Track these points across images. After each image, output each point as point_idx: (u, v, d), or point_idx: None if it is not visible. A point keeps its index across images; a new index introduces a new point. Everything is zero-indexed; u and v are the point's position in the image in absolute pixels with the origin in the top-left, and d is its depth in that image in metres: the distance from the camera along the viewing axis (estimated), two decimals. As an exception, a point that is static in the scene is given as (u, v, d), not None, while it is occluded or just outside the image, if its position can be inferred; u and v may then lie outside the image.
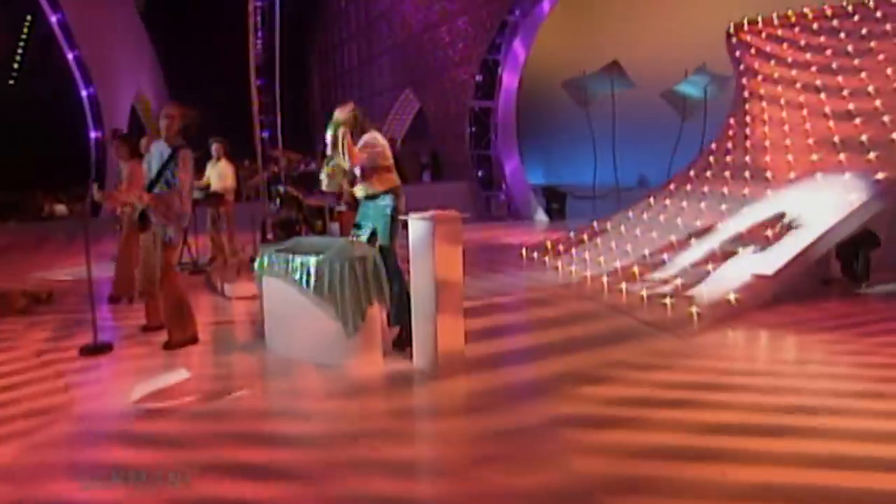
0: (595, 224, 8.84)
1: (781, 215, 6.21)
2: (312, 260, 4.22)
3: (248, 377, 4.28)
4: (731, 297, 5.31)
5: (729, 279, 5.63)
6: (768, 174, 7.45)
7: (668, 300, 5.55)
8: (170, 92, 18.83)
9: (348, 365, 4.22)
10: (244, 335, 5.33)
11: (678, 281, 6.01)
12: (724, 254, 6.20)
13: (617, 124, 16.91)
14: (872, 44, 7.90)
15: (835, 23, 9.09)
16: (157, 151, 4.79)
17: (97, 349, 4.82)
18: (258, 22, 13.46)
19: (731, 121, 9.35)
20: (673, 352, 4.52)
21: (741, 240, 6.26)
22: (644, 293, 5.88)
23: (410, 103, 18.11)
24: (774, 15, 10.20)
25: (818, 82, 8.39)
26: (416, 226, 4.17)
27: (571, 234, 8.83)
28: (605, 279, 6.52)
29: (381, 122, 19.21)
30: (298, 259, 4.30)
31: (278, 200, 7.15)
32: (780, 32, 9.94)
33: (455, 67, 14.74)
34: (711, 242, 6.58)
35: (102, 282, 6.95)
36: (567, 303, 6.12)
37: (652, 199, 8.59)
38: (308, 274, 4.22)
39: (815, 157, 7.19)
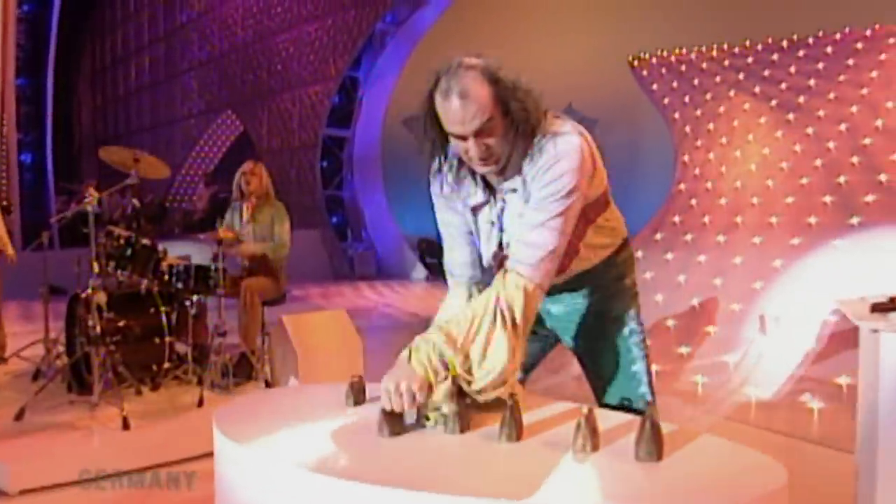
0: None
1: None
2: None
3: None
4: None
5: None
6: (812, 220, 5.75)
7: None
8: None
9: None
10: None
11: (845, 381, 3.80)
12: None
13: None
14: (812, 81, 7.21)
15: (774, 57, 8.27)
16: None
17: None
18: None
19: (686, 158, 7.90)
20: None
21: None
22: (813, 405, 3.56)
23: (229, 128, 14.48)
24: (683, 49, 9.36)
25: (790, 116, 7.31)
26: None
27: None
28: (699, 379, 4.10)
29: (188, 151, 15.23)
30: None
31: (109, 259, 3.66)
32: (704, 66, 8.96)
33: (303, 85, 11.72)
34: (811, 314, 4.55)
35: None
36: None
37: (640, 253, 6.49)
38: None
39: (870, 197, 5.65)
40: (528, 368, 1.81)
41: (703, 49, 8.93)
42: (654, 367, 4.29)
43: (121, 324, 3.57)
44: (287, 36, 12.01)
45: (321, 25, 11.38)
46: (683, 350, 4.58)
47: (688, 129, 8.18)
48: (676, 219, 6.79)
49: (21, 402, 3.31)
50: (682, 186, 7.44)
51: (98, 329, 3.39)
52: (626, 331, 1.71)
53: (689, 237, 6.36)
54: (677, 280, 5.73)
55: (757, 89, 7.84)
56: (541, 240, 1.42)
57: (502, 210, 1.55)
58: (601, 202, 1.64)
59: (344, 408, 1.47)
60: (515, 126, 1.43)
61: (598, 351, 1.71)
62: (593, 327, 1.72)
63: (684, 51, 9.18)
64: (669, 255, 6.19)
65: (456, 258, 1.70)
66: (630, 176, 13.32)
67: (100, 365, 3.32)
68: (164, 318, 3.75)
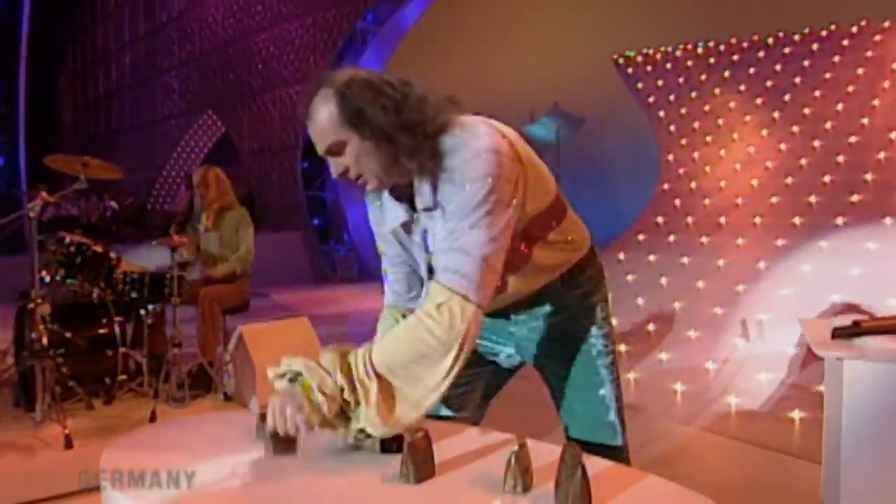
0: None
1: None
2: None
3: None
4: None
5: None
6: (797, 220, 5.62)
7: None
8: None
9: None
10: None
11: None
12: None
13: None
14: (798, 79, 7.12)
15: (760, 54, 8.16)
16: None
17: None
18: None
19: (670, 158, 7.79)
20: None
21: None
22: (795, 415, 3.41)
23: (210, 129, 14.23)
24: (669, 48, 9.23)
25: (776, 114, 7.23)
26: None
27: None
28: (678, 387, 3.94)
29: (169, 153, 14.99)
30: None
31: (59, 267, 3.48)
32: (690, 63, 8.85)
33: (284, 85, 11.52)
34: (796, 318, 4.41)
35: None
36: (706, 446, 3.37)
37: (622, 255, 6.35)
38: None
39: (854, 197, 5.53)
40: (487, 396, 1.65)
41: (689, 46, 8.81)
42: (631, 374, 4.17)
43: (67, 335, 3.39)
44: (267, 35, 11.80)
45: (301, 24, 11.18)
46: (663, 356, 4.43)
47: (672, 127, 8.08)
48: (660, 219, 6.67)
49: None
50: (665, 186, 7.32)
51: (44, 341, 3.22)
52: (593, 352, 1.53)
53: (672, 238, 6.23)
54: (659, 282, 5.59)
55: (742, 87, 7.74)
56: (468, 244, 1.25)
57: (425, 231, 1.41)
58: (551, 215, 1.46)
59: (254, 442, 1.31)
60: (389, 142, 1.29)
61: (562, 374, 1.54)
62: (557, 349, 1.55)
63: (669, 48, 9.06)
64: (652, 257, 6.05)
65: (391, 285, 1.58)
66: (616, 175, 13.21)
67: (43, 379, 3.14)
68: (116, 329, 3.57)
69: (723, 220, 6.12)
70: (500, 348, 1.60)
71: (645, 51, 9.21)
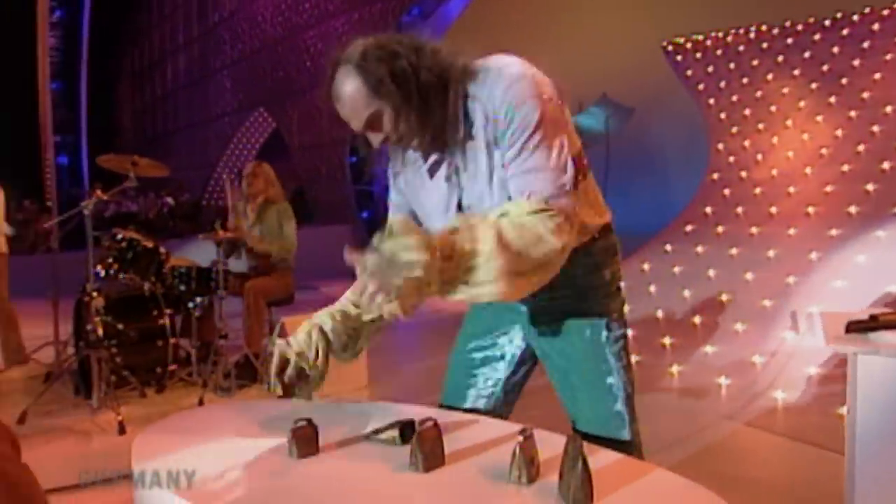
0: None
1: None
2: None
3: None
4: None
5: None
6: (853, 209, 5.42)
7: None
8: None
9: None
10: None
11: None
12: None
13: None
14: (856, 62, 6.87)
15: (816, 37, 7.83)
16: None
17: None
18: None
19: (720, 146, 7.59)
20: None
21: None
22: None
23: (262, 126, 14.56)
24: (720, 33, 8.93)
25: (832, 99, 6.95)
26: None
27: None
28: (723, 381, 3.85)
29: (222, 150, 15.40)
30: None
31: (113, 262, 3.64)
32: (741, 48, 8.57)
33: (331, 81, 11.67)
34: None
35: None
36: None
37: (669, 246, 6.24)
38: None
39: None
40: (508, 394, 1.59)
41: (741, 31, 8.56)
42: (675, 367, 4.10)
43: (119, 327, 3.54)
44: (315, 32, 11.97)
45: (348, 19, 11.31)
46: (708, 349, 4.34)
47: (723, 115, 7.87)
48: (708, 210, 6.52)
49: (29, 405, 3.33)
50: (715, 176, 7.15)
51: (99, 332, 3.38)
52: (602, 336, 1.46)
53: (720, 229, 6.08)
54: (707, 274, 5.47)
55: (797, 72, 7.48)
56: (538, 162, 1.26)
57: (457, 169, 1.40)
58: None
59: (273, 428, 1.36)
60: (421, 97, 1.29)
61: (567, 363, 1.48)
62: (563, 333, 1.48)
63: (720, 34, 8.83)
64: (700, 248, 5.92)
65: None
66: (667, 165, 12.93)
67: (99, 368, 3.30)
68: (166, 321, 3.72)
69: (774, 209, 5.94)
70: (507, 341, 1.57)
71: (695, 37, 8.99)
